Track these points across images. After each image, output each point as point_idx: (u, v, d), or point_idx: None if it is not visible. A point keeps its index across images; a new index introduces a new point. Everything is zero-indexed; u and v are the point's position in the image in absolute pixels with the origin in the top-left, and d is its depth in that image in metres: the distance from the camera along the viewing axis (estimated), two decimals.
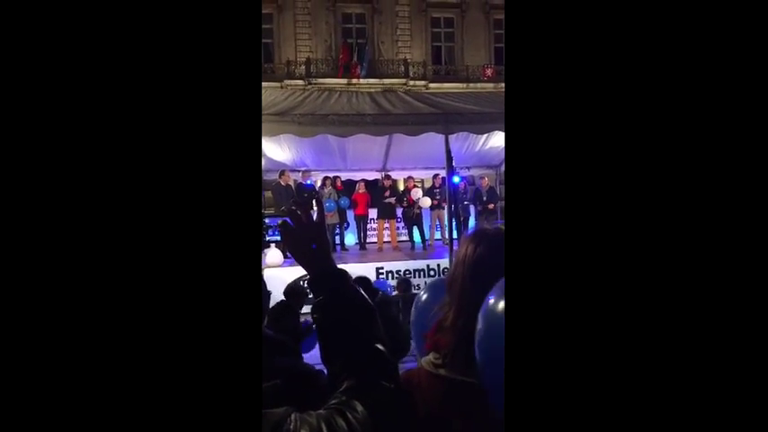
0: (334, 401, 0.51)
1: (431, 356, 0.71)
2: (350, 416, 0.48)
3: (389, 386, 0.53)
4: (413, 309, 1.37)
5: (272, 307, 2.67)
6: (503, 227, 0.76)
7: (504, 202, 6.22)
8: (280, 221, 0.61)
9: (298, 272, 5.09)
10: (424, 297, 1.32)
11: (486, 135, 6.15)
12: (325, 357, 0.57)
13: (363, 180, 7.18)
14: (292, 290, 2.81)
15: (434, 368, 0.69)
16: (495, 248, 0.69)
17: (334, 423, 0.47)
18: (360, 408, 0.49)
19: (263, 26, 13.18)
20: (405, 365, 0.97)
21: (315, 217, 0.61)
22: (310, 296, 0.60)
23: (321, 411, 0.49)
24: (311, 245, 0.59)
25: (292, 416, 0.47)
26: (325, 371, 0.58)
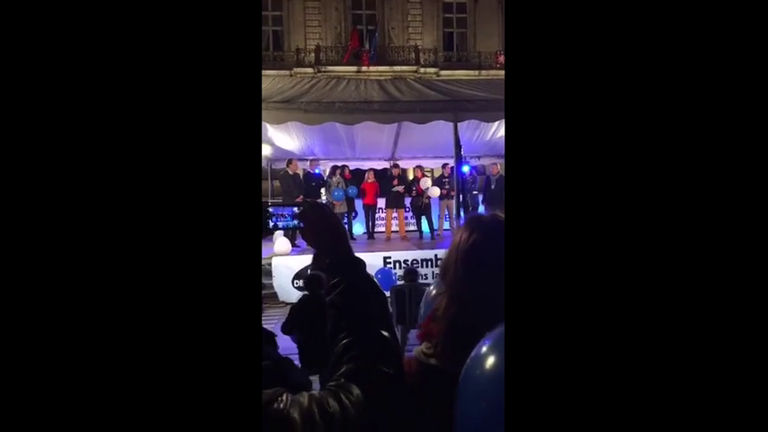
0: (332, 383, 0.51)
1: (423, 346, 0.69)
2: (344, 398, 0.48)
3: (388, 372, 0.53)
4: (422, 303, 1.35)
5: (298, 302, 2.76)
6: (501, 214, 0.73)
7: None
8: (297, 210, 0.66)
9: (304, 260, 5.14)
10: (435, 292, 1.30)
11: (497, 123, 6.04)
12: (332, 336, 0.57)
13: (372, 169, 7.14)
14: (310, 280, 2.89)
15: (426, 357, 0.67)
16: (489, 235, 0.66)
17: (327, 404, 0.47)
18: (356, 390, 0.49)
19: (273, 13, 13.10)
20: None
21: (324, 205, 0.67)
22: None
23: (314, 393, 0.49)
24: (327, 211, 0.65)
25: (283, 396, 0.46)
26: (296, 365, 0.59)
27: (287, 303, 4.78)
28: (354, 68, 12.48)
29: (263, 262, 4.80)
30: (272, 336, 0.67)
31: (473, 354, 0.52)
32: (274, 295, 5.01)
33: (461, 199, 6.09)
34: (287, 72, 12.05)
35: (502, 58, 13.48)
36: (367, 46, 12.73)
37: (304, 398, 0.47)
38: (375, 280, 0.62)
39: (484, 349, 0.51)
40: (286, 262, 5.17)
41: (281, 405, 0.45)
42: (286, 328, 2.67)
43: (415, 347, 0.72)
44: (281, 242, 5.42)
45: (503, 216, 0.72)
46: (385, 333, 0.56)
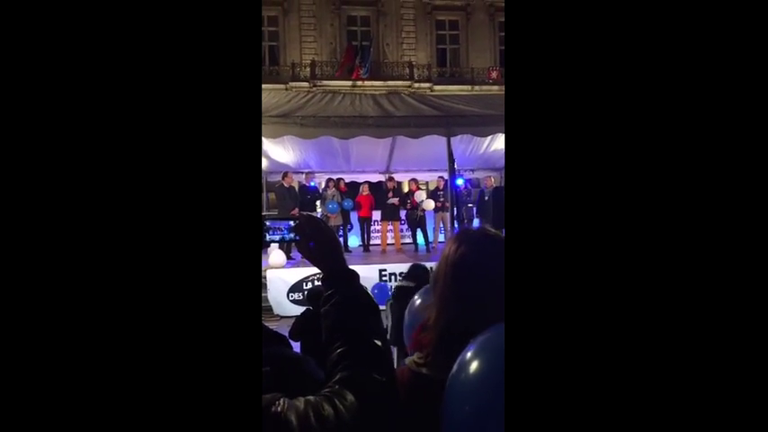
0: (326, 390, 0.52)
1: (414, 356, 0.72)
2: (338, 403, 0.49)
3: (381, 379, 0.54)
4: (406, 313, 1.35)
5: (301, 316, 2.78)
6: (488, 227, 0.76)
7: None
8: (293, 224, 0.67)
9: (299, 273, 5.10)
10: (418, 302, 1.31)
11: (490, 137, 6.13)
12: (326, 345, 0.59)
13: (367, 182, 7.18)
14: (311, 293, 2.91)
15: (417, 367, 0.69)
16: (476, 248, 0.69)
17: (322, 409, 0.48)
18: (350, 397, 0.50)
19: (269, 29, 13.27)
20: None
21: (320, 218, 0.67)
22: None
23: (310, 398, 0.50)
24: (309, 243, 0.65)
25: (281, 400, 0.48)
26: (313, 361, 0.61)
27: (282, 317, 4.74)
28: (350, 83, 12.63)
29: None
30: (284, 337, 0.68)
31: (459, 359, 0.54)
32: (269, 309, 4.96)
33: (456, 211, 6.14)
34: (282, 86, 12.16)
35: (494, 74, 13.71)
36: (358, 61, 12.90)
37: (300, 402, 0.48)
38: (368, 292, 0.64)
39: (468, 355, 0.53)
40: (281, 275, 5.14)
41: (279, 409, 0.46)
42: (293, 334, 2.74)
43: (407, 358, 0.74)
44: (275, 255, 5.40)
45: (492, 230, 0.75)
46: (378, 342, 0.58)
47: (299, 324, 2.71)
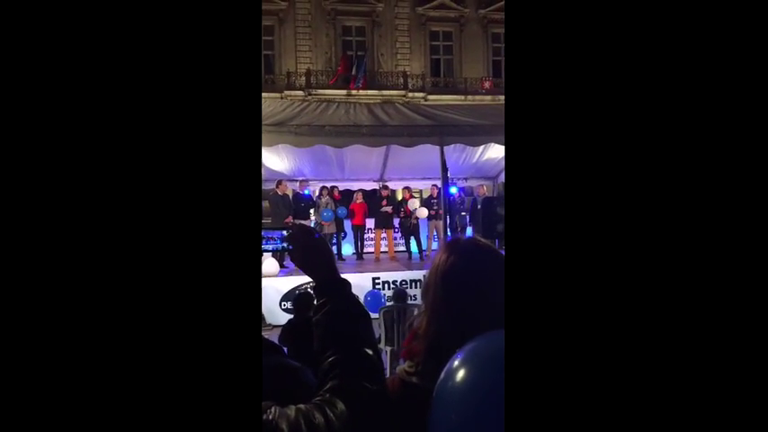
0: (317, 398, 0.52)
1: (405, 365, 0.72)
2: (329, 412, 0.50)
3: (372, 388, 0.55)
4: (407, 325, 1.36)
5: (288, 324, 2.77)
6: (479, 237, 0.78)
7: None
8: (287, 233, 0.67)
9: (292, 281, 5.07)
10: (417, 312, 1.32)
11: (482, 147, 6.20)
12: (318, 353, 0.59)
13: (361, 190, 7.20)
14: (301, 300, 2.91)
15: (407, 376, 0.69)
16: (466, 257, 0.70)
17: (313, 417, 0.48)
18: (340, 405, 0.51)
19: (265, 38, 13.35)
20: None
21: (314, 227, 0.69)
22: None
23: (301, 406, 0.50)
24: (315, 234, 0.66)
25: (271, 408, 0.48)
26: (310, 369, 0.61)
27: (274, 326, 4.70)
28: (344, 92, 12.71)
29: None
30: (280, 347, 0.69)
31: (446, 367, 0.54)
32: (261, 318, 4.91)
33: (449, 220, 6.17)
34: (278, 94, 12.21)
35: (487, 84, 13.89)
36: (354, 71, 13.01)
37: (291, 410, 0.49)
38: (360, 301, 0.65)
39: (455, 363, 0.53)
40: (274, 284, 5.10)
41: (270, 417, 0.47)
42: (280, 341, 2.72)
43: (398, 367, 0.75)
44: (268, 263, 5.36)
45: (482, 240, 0.76)
46: (369, 351, 0.59)
47: (287, 331, 2.70)
